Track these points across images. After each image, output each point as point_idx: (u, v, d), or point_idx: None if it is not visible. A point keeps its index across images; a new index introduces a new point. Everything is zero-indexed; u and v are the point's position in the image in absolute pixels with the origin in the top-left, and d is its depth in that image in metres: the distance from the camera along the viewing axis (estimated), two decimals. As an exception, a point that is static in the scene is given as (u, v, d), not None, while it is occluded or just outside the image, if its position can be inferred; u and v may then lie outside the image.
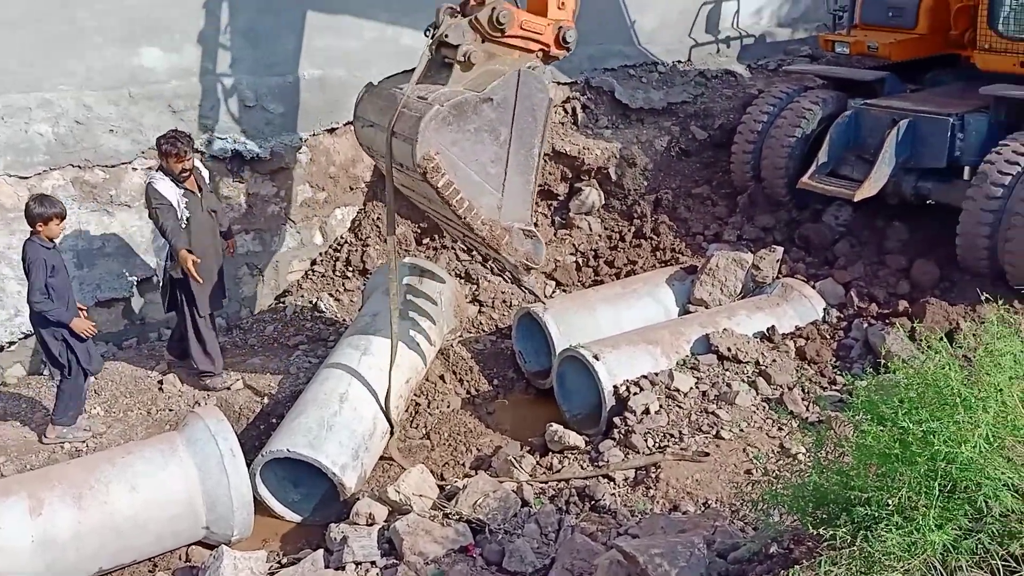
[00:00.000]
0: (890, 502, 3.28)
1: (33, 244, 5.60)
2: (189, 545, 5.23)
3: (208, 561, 4.70)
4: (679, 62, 10.01)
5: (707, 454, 5.46)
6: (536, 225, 6.20)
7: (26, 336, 6.73)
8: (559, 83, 9.23)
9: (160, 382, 6.49)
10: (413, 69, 5.64)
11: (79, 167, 6.94)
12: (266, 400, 6.41)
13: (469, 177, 5.36)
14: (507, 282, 6.65)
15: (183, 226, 6.16)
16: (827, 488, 3.69)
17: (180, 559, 5.21)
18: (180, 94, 7.39)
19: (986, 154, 6.78)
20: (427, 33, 5.67)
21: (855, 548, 3.30)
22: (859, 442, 3.66)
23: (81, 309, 5.87)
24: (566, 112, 9.24)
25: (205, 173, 6.59)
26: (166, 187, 6.10)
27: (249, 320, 7.67)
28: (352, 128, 8.09)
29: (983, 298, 4.39)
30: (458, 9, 5.64)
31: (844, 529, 3.36)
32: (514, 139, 5.44)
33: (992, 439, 3.24)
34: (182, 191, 6.18)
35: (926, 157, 7.20)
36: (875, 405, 3.74)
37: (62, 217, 5.67)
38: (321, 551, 4.97)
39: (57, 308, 5.57)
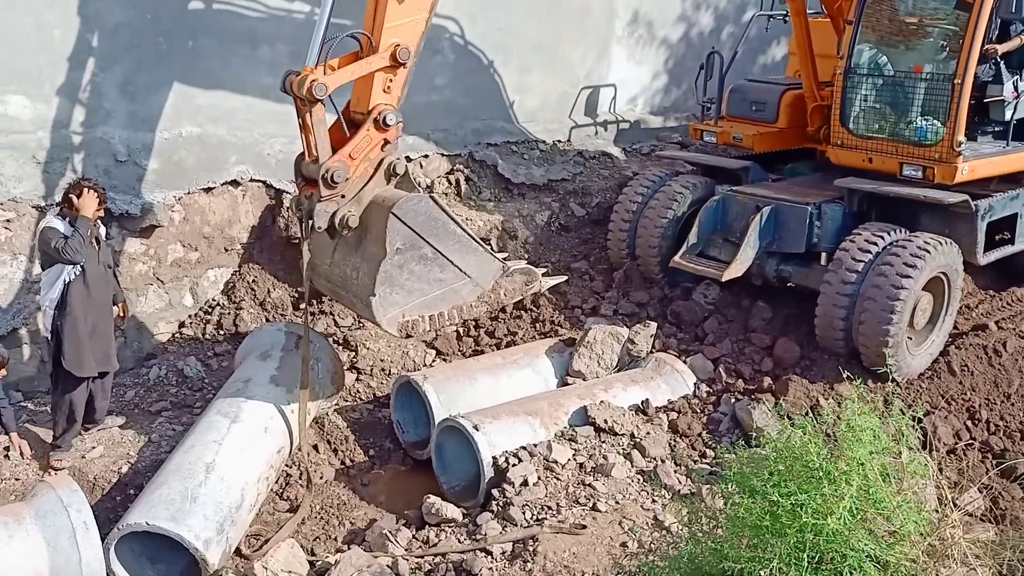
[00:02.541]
0: (762, 573, 3.39)
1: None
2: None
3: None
4: (559, 141, 10.36)
5: (584, 526, 5.49)
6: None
7: None
8: (444, 154, 9.37)
9: (7, 448, 6.00)
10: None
11: (-70, 215, 6.48)
12: (124, 469, 6.01)
13: (439, 296, 6.12)
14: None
15: (78, 273, 5.95)
16: (702, 559, 3.78)
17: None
18: (46, 145, 7.05)
19: (841, 241, 7.28)
20: (296, 212, 6.00)
21: (730, 619, 3.38)
22: (732, 514, 3.78)
23: None
24: (450, 183, 9.36)
25: (102, 229, 6.36)
26: (64, 226, 5.93)
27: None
28: (229, 188, 8.02)
29: (845, 376, 4.66)
30: (303, 181, 5.93)
31: (719, 600, 3.44)
32: (436, 244, 5.99)
33: (856, 511, 3.41)
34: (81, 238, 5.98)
35: (787, 242, 7.66)
36: (746, 478, 3.89)
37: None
38: (180, 633, 4.66)
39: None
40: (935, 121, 7.31)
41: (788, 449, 3.78)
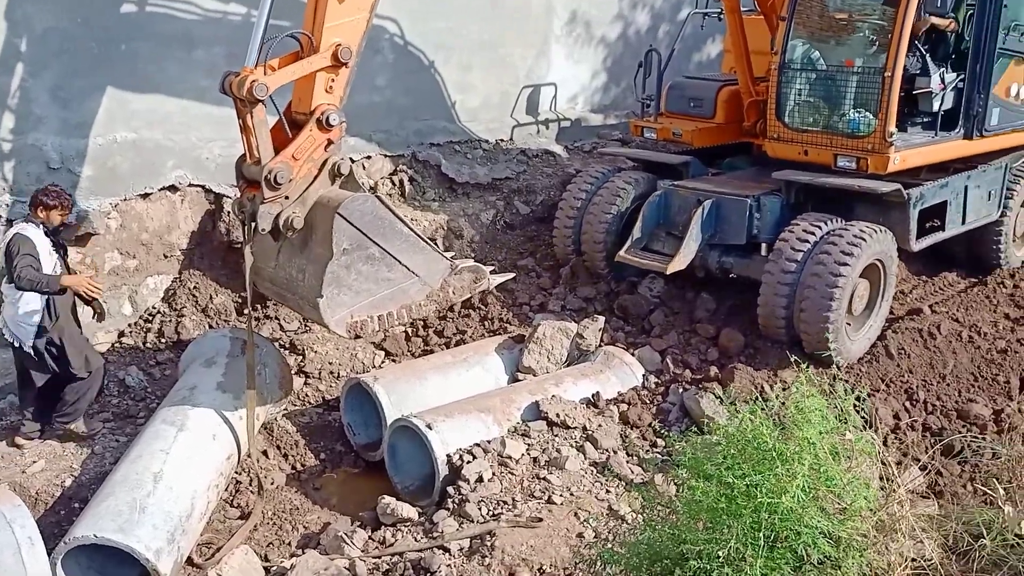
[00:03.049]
0: (720, 554, 3.46)
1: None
2: (-27, 650, 4.63)
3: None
4: (502, 140, 10.39)
5: (540, 519, 5.52)
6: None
7: None
8: (386, 155, 9.32)
9: (-59, 467, 5.80)
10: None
11: None
12: (68, 482, 5.85)
13: (387, 296, 6.08)
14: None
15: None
16: (659, 544, 3.84)
17: (-38, 667, 4.59)
18: (-26, 152, 6.83)
19: (780, 232, 7.45)
20: (239, 214, 5.93)
21: (690, 601, 3.44)
22: (687, 498, 3.85)
23: None
24: (393, 184, 9.31)
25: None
26: (39, 236, 5.95)
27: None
28: (167, 193, 7.86)
29: (793, 360, 4.76)
30: (244, 183, 5.86)
31: (679, 583, 3.50)
32: (383, 244, 5.95)
33: (808, 489, 3.51)
34: (51, 243, 6.04)
35: (728, 234, 7.81)
36: (700, 463, 3.96)
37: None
38: (133, 646, 4.55)
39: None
40: (867, 113, 7.53)
41: (740, 433, 3.87)
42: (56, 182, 7.00)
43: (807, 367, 4.28)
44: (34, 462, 5.98)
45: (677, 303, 8.11)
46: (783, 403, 4.12)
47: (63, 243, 6.40)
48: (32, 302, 5.96)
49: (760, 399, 4.80)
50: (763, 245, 7.69)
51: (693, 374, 7.22)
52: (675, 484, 5.10)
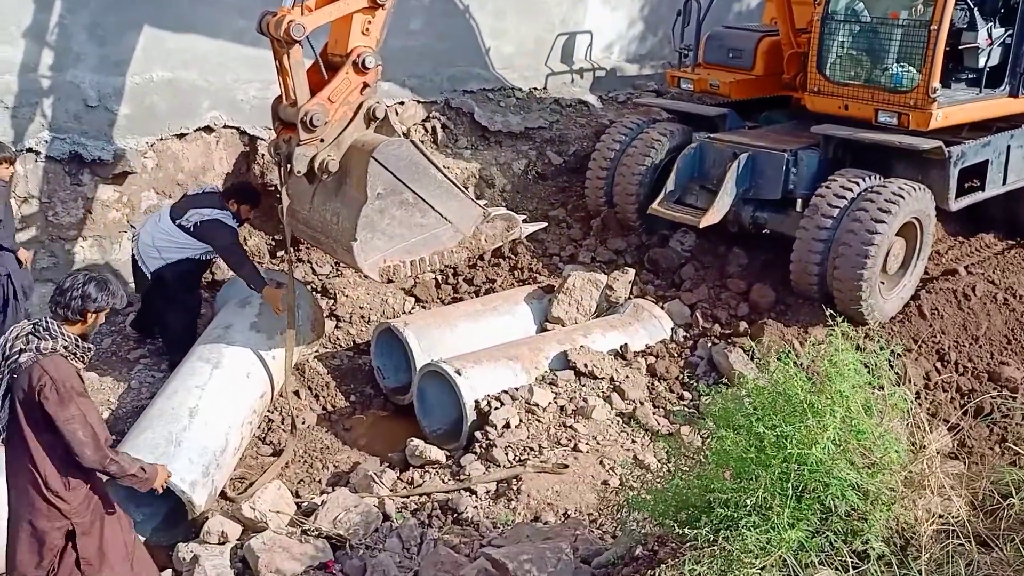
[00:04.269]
0: (748, 502, 3.48)
1: None
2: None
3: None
4: (535, 89, 10.29)
5: (566, 466, 5.59)
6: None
7: None
8: (419, 101, 9.27)
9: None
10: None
11: None
12: (105, 416, 6.00)
13: (419, 241, 6.07)
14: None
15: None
16: (687, 492, 3.87)
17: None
18: (14, 89, 6.88)
19: (816, 188, 7.36)
20: (274, 156, 5.93)
21: (716, 547, 3.48)
22: (716, 448, 3.87)
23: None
24: (426, 131, 9.28)
25: None
26: None
27: (84, 332, 7.18)
28: (202, 134, 7.89)
29: (828, 314, 4.72)
30: (280, 125, 5.87)
31: (705, 529, 3.54)
32: (417, 189, 5.91)
33: (838, 442, 3.51)
34: None
35: (763, 189, 7.72)
36: (730, 413, 3.97)
37: (10, 162, 6.16)
38: (168, 572, 4.70)
39: (8, 239, 5.99)
40: (911, 68, 7.35)
41: (771, 385, 3.87)
42: (84, 119, 7.13)
43: (842, 321, 4.24)
44: (73, 395, 6.12)
45: (708, 257, 8.06)
46: (815, 358, 4.12)
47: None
48: None
49: (788, 355, 4.80)
50: (799, 201, 7.61)
51: (722, 329, 7.20)
52: (701, 436, 5.15)
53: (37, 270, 6.86)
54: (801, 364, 4.13)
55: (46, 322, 3.68)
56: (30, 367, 3.57)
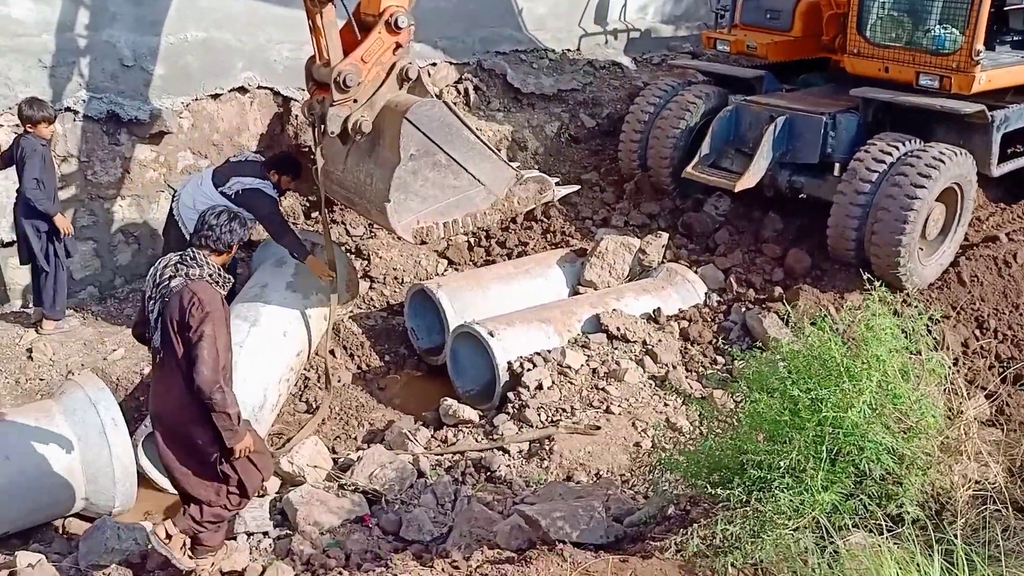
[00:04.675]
0: (781, 464, 3.50)
1: (28, 138, 6.06)
2: (65, 516, 4.95)
3: (89, 532, 4.48)
4: (568, 50, 10.18)
5: (598, 427, 5.63)
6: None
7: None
8: (451, 63, 9.22)
9: (29, 350, 6.10)
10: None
11: (-61, 119, 6.42)
12: (147, 370, 6.11)
13: (452, 203, 6.06)
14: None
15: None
16: (720, 453, 3.89)
17: (56, 531, 4.93)
18: (51, 49, 6.92)
19: (855, 152, 7.24)
20: (308, 117, 5.96)
21: (749, 508, 3.51)
22: (750, 410, 3.88)
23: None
24: (458, 92, 9.23)
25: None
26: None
27: (124, 290, 7.30)
28: (237, 95, 7.92)
29: (866, 278, 4.67)
30: (314, 85, 5.88)
31: (738, 490, 3.56)
32: (450, 151, 5.92)
33: (874, 405, 3.51)
34: None
35: (801, 153, 7.61)
36: (764, 376, 3.97)
37: (50, 121, 6.17)
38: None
39: (46, 200, 6.04)
40: (954, 29, 7.17)
41: (807, 348, 3.86)
42: (120, 79, 7.18)
43: (880, 287, 4.21)
44: (114, 350, 6.25)
45: (743, 222, 8.00)
46: (852, 322, 4.10)
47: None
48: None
49: (823, 321, 4.77)
50: (836, 165, 7.49)
51: (756, 294, 7.17)
52: (735, 399, 5.15)
53: (77, 228, 6.96)
54: (836, 329, 4.11)
55: (193, 252, 4.02)
56: (180, 290, 3.88)
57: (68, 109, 7.02)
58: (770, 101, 7.97)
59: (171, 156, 7.62)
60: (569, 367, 6.20)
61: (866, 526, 3.46)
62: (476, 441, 5.66)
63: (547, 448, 5.41)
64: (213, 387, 3.84)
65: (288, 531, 4.70)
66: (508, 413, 5.88)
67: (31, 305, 6.75)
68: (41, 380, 5.86)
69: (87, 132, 7.12)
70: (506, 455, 5.42)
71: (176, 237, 6.77)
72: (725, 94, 8.42)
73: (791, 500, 3.43)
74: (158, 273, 3.99)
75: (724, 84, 8.62)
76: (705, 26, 10.58)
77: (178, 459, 4.08)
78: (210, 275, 3.99)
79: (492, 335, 6.20)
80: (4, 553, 4.66)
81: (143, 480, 5.22)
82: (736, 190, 7.49)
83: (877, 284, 4.33)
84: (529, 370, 6.11)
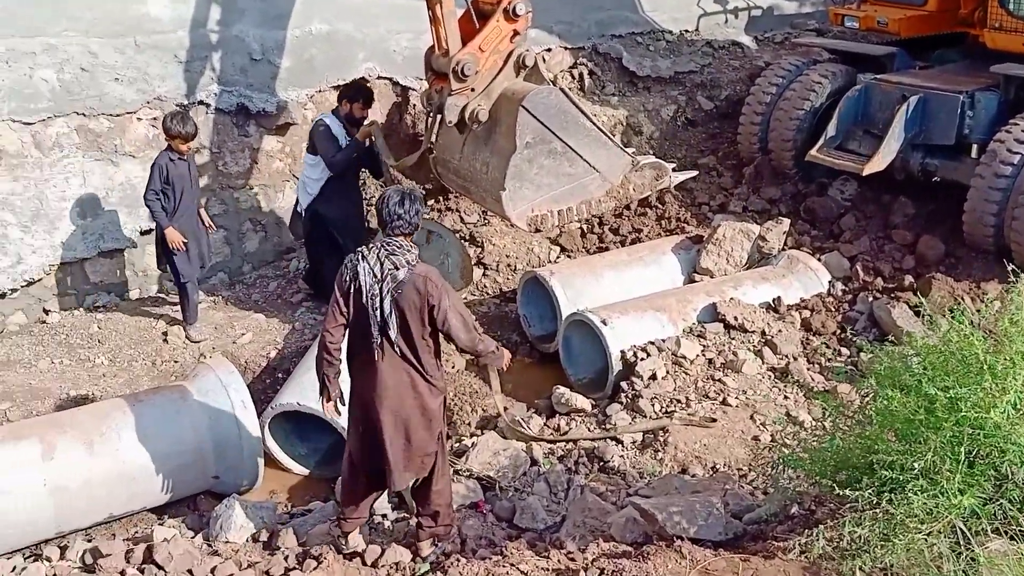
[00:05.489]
0: (915, 466, 3.32)
1: (162, 153, 6.21)
2: (197, 494, 5.22)
3: (220, 510, 4.69)
4: (686, 31, 9.95)
5: (715, 420, 5.51)
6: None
7: (29, 284, 6.66)
8: (566, 47, 9.16)
9: (164, 333, 6.45)
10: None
11: (83, 115, 6.83)
12: (272, 354, 6.37)
13: (567, 190, 6.04)
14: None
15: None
16: (848, 452, 3.73)
17: (188, 508, 5.20)
18: (186, 44, 7.27)
19: (995, 133, 6.80)
20: (426, 106, 6.12)
21: (878, 510, 3.35)
22: (881, 408, 3.70)
23: (209, 228, 6.59)
24: (573, 78, 9.17)
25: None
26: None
27: (252, 276, 7.62)
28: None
29: (1010, 269, 4.38)
30: (432, 75, 5.98)
31: (867, 491, 3.41)
32: (566, 138, 5.89)
33: (1019, 406, 3.29)
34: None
35: (935, 134, 7.22)
36: (897, 373, 3.78)
37: (185, 139, 6.17)
38: (331, 503, 4.98)
39: (159, 211, 6.15)
40: (1110, -2, 6.64)
41: (945, 343, 3.65)
42: (249, 72, 7.46)
43: (1021, 276, 3.93)
44: (243, 334, 6.53)
45: (871, 207, 7.64)
46: (994, 315, 3.85)
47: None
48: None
49: (957, 312, 4.50)
50: (974, 146, 7.07)
51: (885, 283, 6.85)
52: (861, 395, 4.93)
53: (209, 217, 7.29)
54: (974, 322, 3.87)
55: (395, 241, 4.12)
56: (412, 278, 4.06)
57: (201, 103, 7.35)
58: (902, 79, 7.58)
59: (296, 147, 7.87)
60: (684, 357, 6.09)
61: (1007, 532, 3.25)
62: (589, 430, 5.63)
63: (661, 439, 5.33)
64: (475, 343, 4.26)
65: (405, 515, 4.81)
66: (621, 403, 5.82)
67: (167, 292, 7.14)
68: (176, 362, 6.18)
69: (218, 124, 7.44)
70: (619, 445, 5.37)
71: (300, 223, 7.02)
72: (853, 73, 8.06)
73: (925, 503, 3.25)
74: (372, 271, 4.06)
75: (852, 62, 8.25)
76: (832, 2, 10.10)
77: (401, 446, 4.23)
78: (418, 256, 4.16)
79: (605, 323, 6.15)
80: (141, 528, 4.96)
81: (268, 461, 5.44)
82: (864, 173, 7.18)
83: (1019, 274, 4.05)
84: (643, 359, 6.03)
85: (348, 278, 4.13)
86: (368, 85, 6.92)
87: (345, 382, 4.34)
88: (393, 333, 4.05)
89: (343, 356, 4.27)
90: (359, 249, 4.19)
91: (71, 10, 6.71)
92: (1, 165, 6.49)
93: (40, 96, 6.61)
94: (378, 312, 4.04)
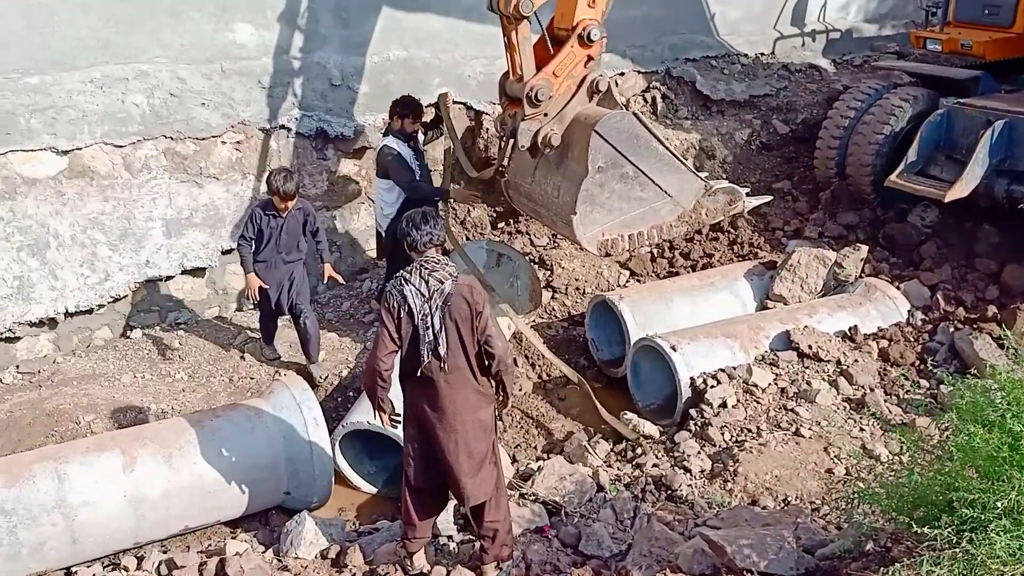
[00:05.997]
0: (998, 505, 3.20)
1: (263, 202, 6.32)
2: (268, 509, 5.33)
3: (290, 525, 4.79)
4: (762, 54, 9.86)
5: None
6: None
7: (115, 300, 6.93)
8: (639, 71, 9.16)
9: (242, 351, 6.63)
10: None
11: (171, 138, 7.09)
12: (344, 373, 6.49)
13: (638, 215, 6.05)
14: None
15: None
16: (926, 488, 3.61)
17: (260, 522, 5.31)
18: (269, 70, 7.50)
19: (1086, 159, 6.55)
20: (500, 131, 6.23)
21: (958, 550, 3.23)
22: (962, 444, 3.57)
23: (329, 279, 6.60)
24: (645, 101, 9.17)
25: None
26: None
27: (326, 296, 7.78)
28: (433, 111, 8.25)
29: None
30: (506, 100, 6.03)
31: (947, 530, 3.29)
32: (638, 163, 5.89)
33: (1111, 446, 3.14)
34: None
35: (1022, 160, 6.98)
36: (979, 407, 3.65)
37: (283, 197, 6.12)
38: (398, 522, 5.02)
39: (246, 256, 6.22)
40: None
41: (1031, 379, 3.51)
42: (328, 97, 7.63)
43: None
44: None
45: (953, 234, 7.43)
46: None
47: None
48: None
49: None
50: (1064, 173, 6.81)
51: (967, 313, 6.63)
52: (940, 429, 4.77)
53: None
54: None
55: (433, 257, 4.18)
56: (458, 288, 4.13)
57: (282, 127, 7.57)
58: (987, 104, 7.37)
59: (371, 170, 8.03)
60: (756, 385, 5.98)
61: (1098, 581, 3.09)
62: (656, 457, 5.57)
63: (731, 469, 5.24)
64: (508, 351, 4.26)
65: (471, 536, 4.82)
66: (690, 431, 5.75)
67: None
68: (252, 379, 6.35)
69: (298, 148, 7.66)
70: (688, 474, 5.30)
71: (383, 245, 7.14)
72: (935, 97, 7.87)
73: (1008, 544, 3.13)
74: (420, 289, 4.10)
75: (934, 86, 8.06)
76: (913, 24, 9.93)
77: (466, 459, 4.26)
78: (455, 267, 4.24)
79: (675, 349, 6.09)
80: (215, 541, 5.09)
81: (338, 478, 5.52)
82: (946, 200, 6.99)
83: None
84: (713, 387, 5.95)
85: (396, 303, 4.13)
86: (415, 99, 6.97)
87: (396, 398, 4.38)
88: (443, 350, 4.09)
89: (394, 377, 4.30)
90: (399, 274, 4.21)
91: (163, 38, 7.01)
92: (93, 186, 6.79)
93: (131, 120, 6.91)
94: (430, 332, 4.09)
